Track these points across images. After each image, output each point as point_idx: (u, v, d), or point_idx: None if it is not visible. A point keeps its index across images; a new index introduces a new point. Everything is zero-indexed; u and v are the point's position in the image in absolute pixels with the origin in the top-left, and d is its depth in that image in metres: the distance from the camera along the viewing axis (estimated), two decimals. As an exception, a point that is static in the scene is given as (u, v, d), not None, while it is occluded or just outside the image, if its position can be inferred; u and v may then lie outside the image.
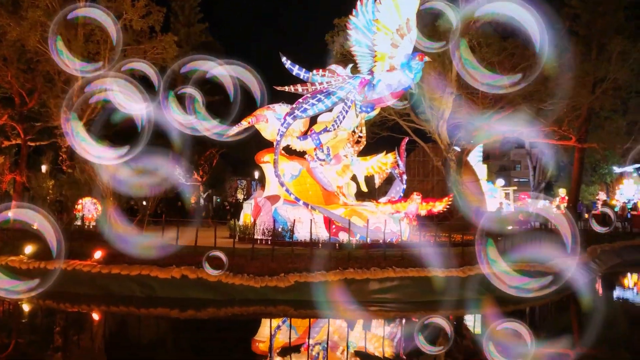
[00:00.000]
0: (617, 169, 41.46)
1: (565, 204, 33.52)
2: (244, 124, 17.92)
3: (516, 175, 56.21)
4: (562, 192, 37.58)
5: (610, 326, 12.40)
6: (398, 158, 18.37)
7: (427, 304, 12.28)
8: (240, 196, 47.46)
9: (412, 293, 12.73)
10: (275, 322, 11.32)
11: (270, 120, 17.84)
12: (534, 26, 10.90)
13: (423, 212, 17.44)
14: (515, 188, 45.19)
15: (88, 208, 19.36)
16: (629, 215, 30.62)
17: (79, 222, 18.61)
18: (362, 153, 18.59)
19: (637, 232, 25.56)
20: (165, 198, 21.24)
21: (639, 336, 11.70)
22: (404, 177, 18.42)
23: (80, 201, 19.41)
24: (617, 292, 17.18)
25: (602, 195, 39.47)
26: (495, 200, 36.42)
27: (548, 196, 46.29)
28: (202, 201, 41.48)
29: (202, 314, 11.56)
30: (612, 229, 25.90)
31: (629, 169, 40.38)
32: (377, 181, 18.54)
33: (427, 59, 15.76)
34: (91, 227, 18.32)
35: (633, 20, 31.01)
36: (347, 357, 8.94)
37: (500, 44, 27.14)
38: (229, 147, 38.47)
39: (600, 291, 16.98)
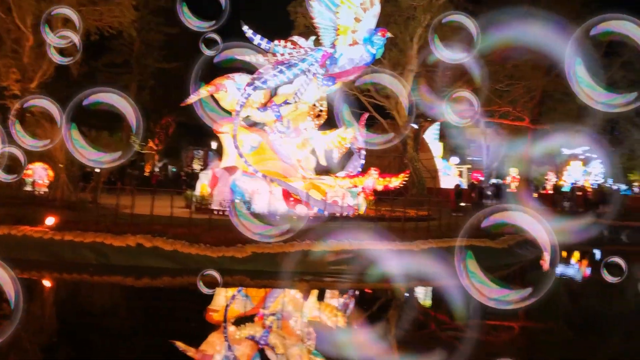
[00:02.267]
0: (566, 151, 42.94)
1: (517, 183, 34.57)
2: (203, 92, 17.66)
3: (470, 154, 57.34)
4: (513, 171, 38.70)
5: (549, 298, 13.02)
6: (357, 133, 18.50)
7: (382, 276, 12.55)
8: (196, 166, 46.88)
9: (367, 265, 12.96)
10: (231, 291, 11.38)
11: (229, 90, 17.61)
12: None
13: (380, 187, 17.72)
14: (469, 166, 46.26)
15: (39, 173, 18.78)
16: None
17: (29, 188, 18.08)
18: (322, 127, 18.64)
19: (582, 213, 26.61)
20: (119, 165, 20.77)
21: (580, 308, 12.31)
22: (363, 152, 18.60)
23: (30, 166, 18.80)
24: (559, 268, 17.96)
25: (551, 176, 40.81)
26: (449, 177, 37.25)
27: (500, 175, 47.61)
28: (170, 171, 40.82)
29: (157, 282, 11.51)
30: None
31: (578, 151, 41.90)
32: (337, 156, 18.65)
33: (389, 34, 15.83)
34: (42, 193, 17.82)
35: (589, 6, 31.76)
36: (300, 326, 9.09)
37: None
38: (186, 115, 37.84)
39: (545, 266, 17.69)
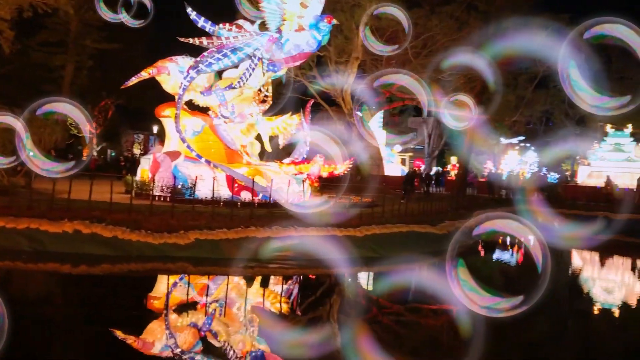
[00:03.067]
0: (503, 140, 44.44)
1: (456, 171, 35.52)
2: (144, 74, 17.19)
3: (412, 142, 58.42)
4: (453, 159, 39.72)
5: (485, 282, 13.53)
6: (303, 120, 18.48)
7: (327, 262, 12.66)
8: (137, 151, 45.65)
9: (312, 251, 13.04)
10: (173, 278, 11.20)
11: (172, 73, 17.21)
12: None
13: (325, 174, 17.79)
14: (411, 154, 47.21)
15: (-34, 156, 17.77)
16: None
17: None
18: (268, 113, 18.51)
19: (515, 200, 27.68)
20: (55, 148, 19.94)
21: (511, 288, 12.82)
22: (308, 139, 18.61)
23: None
24: (496, 254, 18.70)
25: (489, 165, 42.13)
26: (392, 165, 37.86)
27: (441, 162, 48.88)
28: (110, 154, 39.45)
29: (95, 269, 11.15)
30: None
31: (514, 140, 43.45)
32: (282, 142, 18.58)
33: (335, 21, 15.82)
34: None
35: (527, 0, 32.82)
36: (244, 313, 9.07)
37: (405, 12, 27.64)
38: (126, 98, 36.67)
39: (482, 251, 18.43)
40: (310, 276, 12.60)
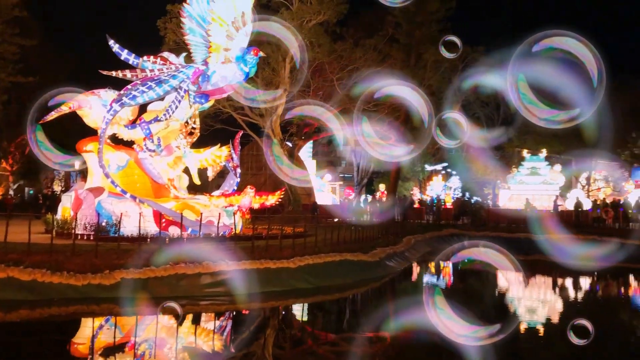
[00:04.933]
0: (428, 167, 45.89)
1: (385, 198, 36.20)
2: (64, 108, 16.58)
3: (342, 171, 59.27)
4: (381, 187, 40.48)
5: (418, 308, 13.78)
6: (232, 151, 18.35)
7: (260, 295, 12.45)
8: (57, 188, 43.52)
9: (245, 285, 12.79)
10: (98, 321, 10.63)
11: (94, 107, 16.69)
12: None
13: (256, 206, 17.66)
14: (341, 183, 47.79)
15: None
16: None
17: None
18: (196, 145, 18.24)
19: (444, 224, 28.57)
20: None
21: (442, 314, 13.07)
22: (238, 170, 18.47)
23: None
24: (427, 277, 19.08)
25: (416, 191, 43.23)
26: (323, 194, 38.11)
27: (369, 190, 49.70)
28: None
29: (12, 316, 10.40)
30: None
31: (438, 167, 44.98)
32: (211, 174, 18.32)
33: (261, 54, 15.95)
34: None
35: (445, 33, 34.46)
36: (175, 353, 8.71)
37: (330, 45, 28.43)
38: (46, 133, 35.03)
39: (413, 277, 18.78)
40: (244, 311, 12.32)
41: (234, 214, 16.85)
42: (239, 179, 18.43)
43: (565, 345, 9.37)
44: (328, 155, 61.13)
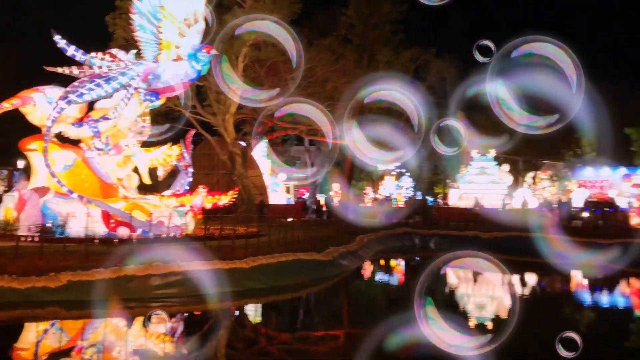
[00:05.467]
0: (381, 167, 46.39)
1: (339, 198, 36.45)
2: (6, 105, 15.96)
3: (296, 170, 59.31)
4: (335, 186, 40.70)
5: (372, 305, 14.03)
6: (184, 150, 18.07)
7: (212, 297, 12.31)
8: (-1, 188, 41.75)
9: (197, 286, 12.62)
10: (43, 325, 10.27)
11: (38, 104, 16.12)
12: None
13: (209, 206, 17.44)
14: (296, 182, 47.78)
15: None
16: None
17: None
18: (146, 144, 17.86)
19: (396, 223, 28.93)
20: None
21: (394, 311, 13.28)
22: (190, 169, 18.20)
23: None
24: (379, 275, 19.32)
25: (369, 190, 43.65)
26: (277, 193, 38.00)
27: (324, 190, 49.92)
28: None
29: (-51, 323, 9.94)
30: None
31: (391, 166, 45.59)
32: (162, 174, 17.98)
33: (214, 52, 15.74)
34: None
35: (397, 35, 34.99)
36: (124, 358, 8.51)
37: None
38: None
39: (366, 275, 18.98)
40: (196, 312, 12.16)
41: (186, 214, 16.61)
42: (190, 179, 18.16)
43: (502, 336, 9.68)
44: (282, 155, 61.06)
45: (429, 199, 46.44)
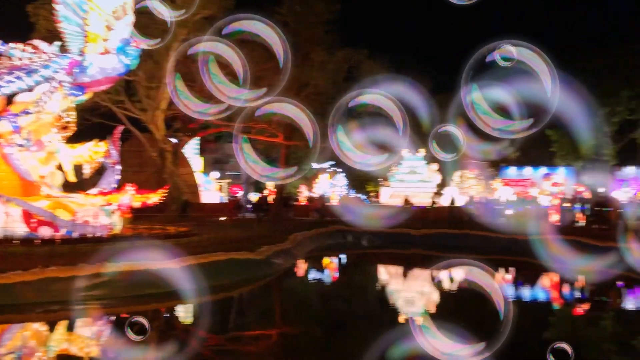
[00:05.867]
0: (315, 165, 46.68)
1: (274, 196, 36.34)
2: None
3: (229, 169, 58.74)
4: (270, 185, 40.59)
5: (305, 303, 14.11)
6: (111, 147, 17.46)
7: (142, 298, 11.99)
8: None
9: (125, 288, 12.25)
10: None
11: (-49, 96, 15.10)
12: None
13: (137, 204, 16.95)
14: (229, 180, 47.26)
15: None
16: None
17: None
18: (71, 140, 17.12)
19: (330, 221, 29.21)
20: None
21: (329, 308, 13.42)
22: (117, 167, 17.61)
23: None
24: (313, 274, 19.44)
25: (303, 189, 43.83)
26: (210, 192, 37.48)
27: (258, 188, 49.66)
28: None
29: None
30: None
31: (325, 165, 45.97)
32: (87, 171, 17.28)
33: (143, 45, 15.32)
34: None
35: (331, 34, 35.20)
36: (46, 363, 8.14)
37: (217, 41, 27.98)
38: None
39: (300, 273, 19.05)
40: (123, 315, 11.78)
41: (113, 213, 16.07)
42: (118, 177, 17.57)
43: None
44: (215, 152, 60.24)
45: (361, 196, 47.20)
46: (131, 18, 14.73)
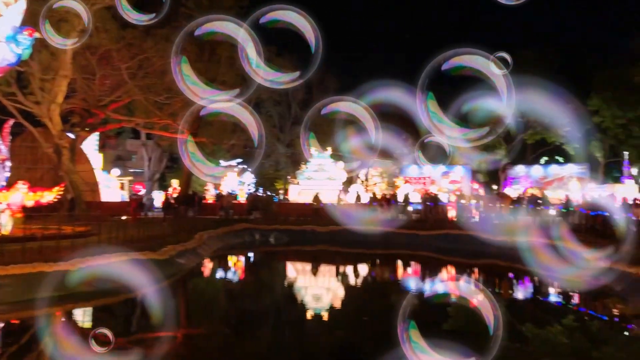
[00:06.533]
0: (223, 163, 46.03)
1: (177, 194, 35.50)
2: None
3: (132, 166, 56.62)
4: (174, 182, 39.63)
5: (210, 303, 13.96)
6: (0, 142, 16.28)
7: (34, 303, 11.30)
8: None
9: (16, 292, 11.50)
10: None
11: None
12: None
13: (30, 203, 15.93)
14: (131, 178, 45.50)
15: None
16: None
17: None
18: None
19: (237, 219, 28.98)
20: None
21: (236, 306, 13.36)
22: (8, 163, 16.43)
23: None
24: (219, 273, 19.23)
25: (210, 187, 43.02)
26: (110, 190, 35.93)
27: (162, 186, 48.28)
28: None
29: None
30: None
31: (232, 162, 45.50)
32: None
33: (37, 35, 14.42)
34: None
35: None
36: None
37: (118, 31, 26.95)
38: None
39: (205, 273, 18.79)
40: (14, 321, 11.07)
41: (2, 212, 15.02)
42: (8, 173, 16.41)
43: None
44: (116, 149, 57.81)
45: (270, 194, 47.17)
46: (23, 5, 13.83)
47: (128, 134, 56.12)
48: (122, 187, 39.92)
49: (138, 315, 12.20)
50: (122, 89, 29.34)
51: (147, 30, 29.12)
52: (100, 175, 35.57)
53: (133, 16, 9.29)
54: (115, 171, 39.46)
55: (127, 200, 33.76)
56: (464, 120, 8.35)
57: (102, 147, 42.25)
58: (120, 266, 13.71)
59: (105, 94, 29.44)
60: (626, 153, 39.22)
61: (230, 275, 19.03)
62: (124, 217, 23.98)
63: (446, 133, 8.27)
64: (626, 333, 11.33)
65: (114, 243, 15.10)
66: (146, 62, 28.72)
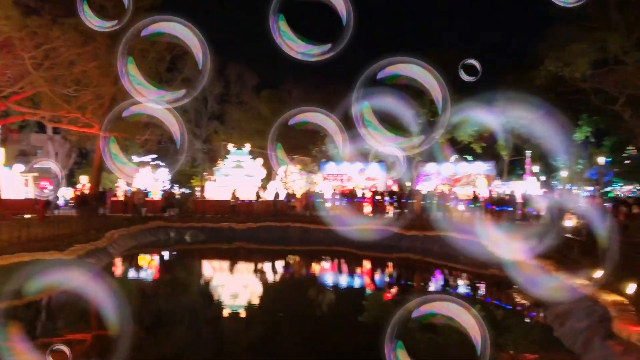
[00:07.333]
0: (136, 158, 44.53)
1: (88, 191, 34.02)
2: None
3: (37, 162, 53.47)
4: (84, 179, 37.94)
5: (125, 302, 13.45)
6: None
7: None
8: None
9: None
10: None
11: None
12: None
13: None
14: (37, 174, 42.98)
15: None
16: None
17: None
18: None
19: (151, 217, 28.15)
20: None
21: (147, 306, 13.01)
22: None
23: None
24: (131, 272, 18.61)
25: (121, 183, 41.52)
26: (13, 187, 33.80)
27: (71, 183, 46.02)
28: None
29: None
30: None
31: (146, 158, 44.14)
32: None
33: None
34: None
35: (153, 23, 33.79)
36: None
37: (21, 19, 25.42)
38: None
39: (116, 273, 18.13)
40: None
41: None
42: None
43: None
44: (19, 143, 54.52)
45: (185, 191, 46.20)
46: None
47: (33, 128, 53.03)
48: (26, 184, 37.65)
49: (44, 318, 11.62)
50: (26, 80, 27.62)
51: (54, 19, 27.61)
52: (2, 170, 33.35)
53: (95, 22, 8.75)
54: (18, 167, 37.15)
55: (32, 197, 31.88)
56: (397, 128, 8.68)
57: (4, 141, 39.67)
58: (21, 268, 12.96)
59: (6, 85, 27.60)
60: (528, 152, 41.89)
61: (142, 274, 18.47)
62: (27, 216, 22.66)
63: (380, 142, 8.50)
64: (527, 320, 12.17)
65: (15, 243, 14.26)
66: (53, 52, 27.18)
